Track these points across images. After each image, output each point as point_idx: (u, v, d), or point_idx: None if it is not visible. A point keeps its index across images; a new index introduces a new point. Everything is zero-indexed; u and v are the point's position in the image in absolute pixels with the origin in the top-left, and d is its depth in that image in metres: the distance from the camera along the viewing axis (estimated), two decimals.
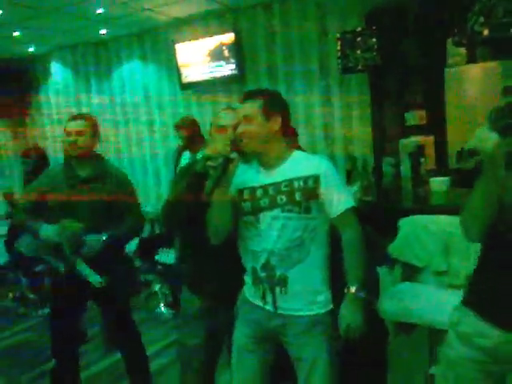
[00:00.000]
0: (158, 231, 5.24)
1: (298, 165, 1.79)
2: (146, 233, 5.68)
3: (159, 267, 4.59)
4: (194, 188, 1.84)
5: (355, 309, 1.75)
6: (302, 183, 1.75)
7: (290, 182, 1.75)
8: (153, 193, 5.93)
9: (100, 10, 4.72)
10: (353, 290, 1.75)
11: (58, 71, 6.59)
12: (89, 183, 2.56)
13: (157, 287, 4.69)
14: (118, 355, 2.95)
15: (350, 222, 1.78)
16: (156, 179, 6.05)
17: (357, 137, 4.68)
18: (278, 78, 5.02)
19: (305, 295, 1.78)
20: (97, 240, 2.50)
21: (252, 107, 1.77)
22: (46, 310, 4.17)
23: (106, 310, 2.84)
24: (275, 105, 1.79)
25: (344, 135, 4.75)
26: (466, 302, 1.59)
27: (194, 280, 2.13)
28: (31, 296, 4.61)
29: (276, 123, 1.77)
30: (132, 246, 4.97)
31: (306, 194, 1.74)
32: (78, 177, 2.56)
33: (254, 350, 1.87)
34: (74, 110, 6.39)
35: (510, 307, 1.47)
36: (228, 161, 1.72)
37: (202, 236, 1.88)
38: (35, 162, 4.35)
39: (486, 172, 1.40)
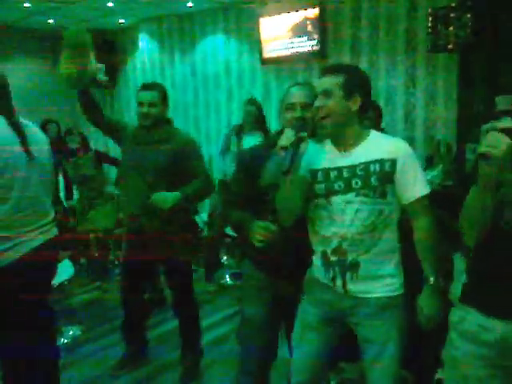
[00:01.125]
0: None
1: (375, 147, 1.72)
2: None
3: (227, 239, 4.68)
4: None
5: (434, 300, 1.71)
6: (378, 167, 1.69)
7: (366, 165, 1.70)
8: None
9: None
10: (431, 281, 1.70)
11: (144, 43, 6.82)
12: (157, 144, 2.67)
13: (224, 259, 4.82)
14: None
15: (424, 210, 1.72)
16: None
17: (441, 119, 4.44)
18: (361, 55, 4.86)
19: (376, 279, 1.74)
20: (171, 196, 2.59)
21: (332, 82, 1.69)
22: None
23: (170, 272, 2.96)
24: (357, 83, 1.71)
25: (427, 117, 4.53)
26: (465, 300, 1.55)
27: (257, 255, 2.11)
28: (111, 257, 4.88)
29: (355, 103, 1.70)
30: (203, 216, 5.11)
31: (382, 179, 1.68)
32: (148, 139, 2.69)
33: (319, 329, 1.85)
34: (158, 81, 6.62)
35: (510, 297, 1.43)
36: (300, 140, 1.68)
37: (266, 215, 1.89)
38: None
39: (486, 176, 1.35)
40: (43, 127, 4.85)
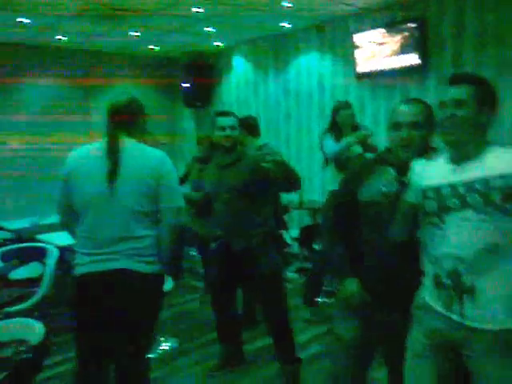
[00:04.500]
0: (319, 221, 5.24)
1: (496, 161, 1.59)
2: (307, 221, 5.77)
3: (316, 256, 4.57)
4: None
5: None
6: (500, 182, 1.55)
7: (486, 180, 1.57)
8: (317, 182, 5.94)
9: (288, 4, 4.81)
10: None
11: (239, 64, 7.02)
12: (228, 168, 2.86)
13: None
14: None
15: None
16: (321, 169, 6.03)
17: None
18: (464, 69, 4.59)
19: (499, 307, 1.57)
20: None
21: (464, 92, 1.62)
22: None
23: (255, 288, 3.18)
24: (488, 94, 1.66)
25: None
26: None
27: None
28: (201, 271, 4.98)
29: (485, 115, 1.63)
30: (293, 232, 5.07)
31: (506, 195, 1.54)
32: (221, 163, 2.92)
33: (431, 357, 1.72)
34: (252, 101, 6.77)
35: None
36: (402, 185, 1.79)
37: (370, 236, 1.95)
38: (206, 149, 4.58)
39: None
40: None
